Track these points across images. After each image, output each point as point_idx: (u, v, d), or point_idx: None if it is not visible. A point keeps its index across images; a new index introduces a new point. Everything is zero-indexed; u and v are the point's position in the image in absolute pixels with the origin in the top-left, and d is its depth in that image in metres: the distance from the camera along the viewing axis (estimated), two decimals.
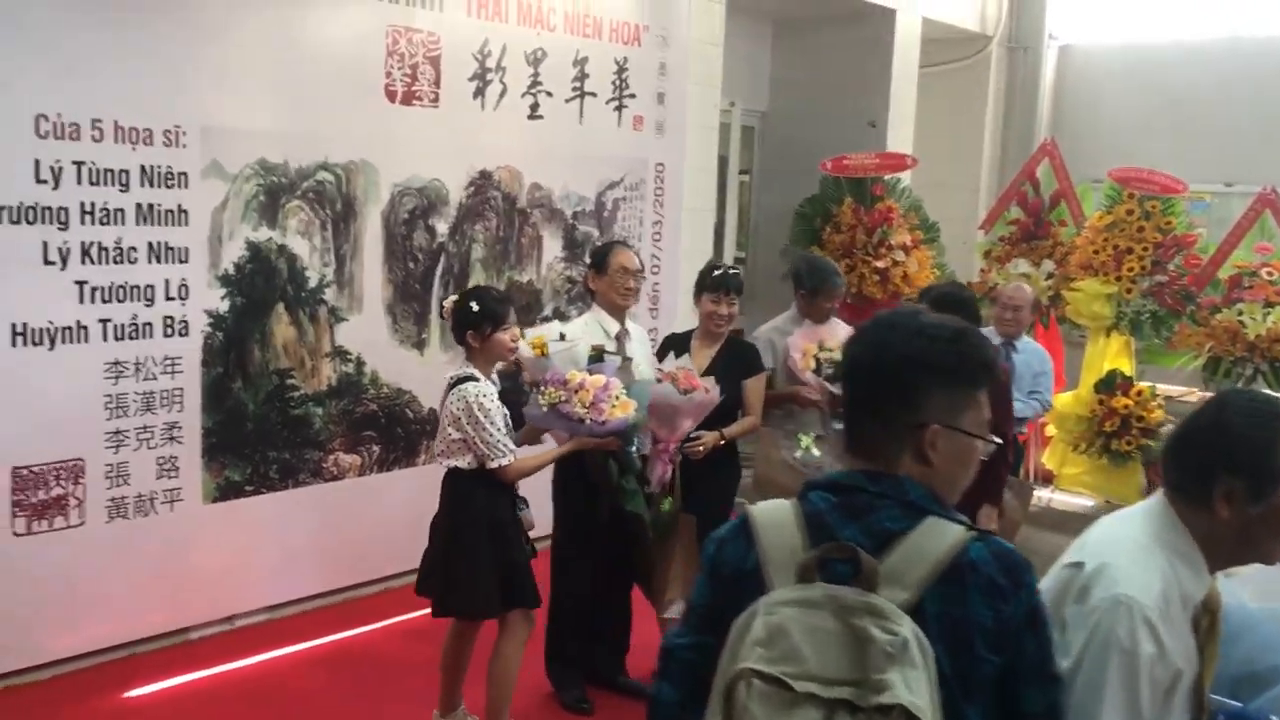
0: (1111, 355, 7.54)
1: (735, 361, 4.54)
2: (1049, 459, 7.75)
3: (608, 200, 6.43)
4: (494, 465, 3.81)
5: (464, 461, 3.82)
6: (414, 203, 5.46)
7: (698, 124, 7.07)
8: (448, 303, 3.94)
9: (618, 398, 3.95)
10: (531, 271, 6.06)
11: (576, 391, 3.91)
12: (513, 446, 3.85)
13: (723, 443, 4.42)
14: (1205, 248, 7.42)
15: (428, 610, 4.02)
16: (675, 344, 4.59)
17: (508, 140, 5.83)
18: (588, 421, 3.90)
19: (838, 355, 4.63)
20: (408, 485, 5.39)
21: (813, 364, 4.75)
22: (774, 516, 1.71)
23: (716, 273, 4.57)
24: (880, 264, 7.85)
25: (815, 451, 4.72)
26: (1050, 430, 7.70)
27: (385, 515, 5.36)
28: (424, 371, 5.49)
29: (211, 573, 4.87)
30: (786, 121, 8.98)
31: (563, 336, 4.22)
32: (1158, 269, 7.42)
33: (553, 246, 6.14)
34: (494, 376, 3.96)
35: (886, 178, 8.07)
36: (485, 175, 5.76)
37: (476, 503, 3.85)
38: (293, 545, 5.16)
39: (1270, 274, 7.06)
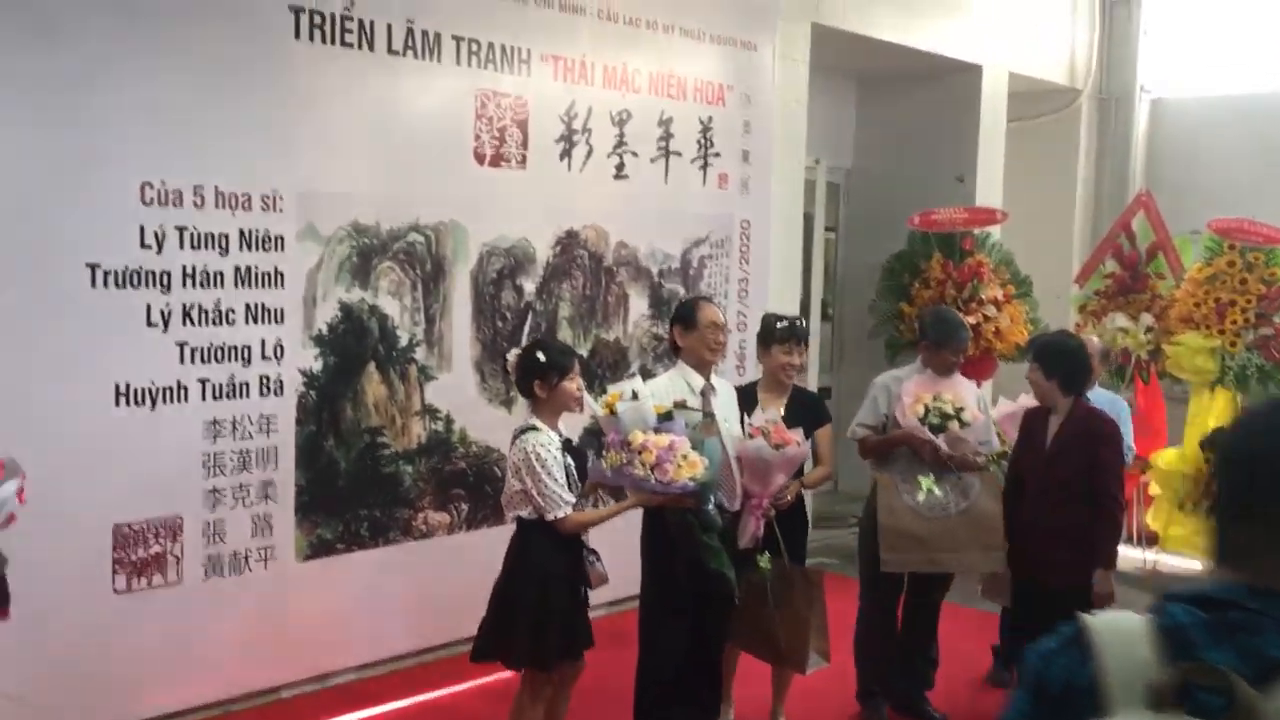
0: (1217, 411, 7.28)
1: (805, 412, 4.58)
2: (1153, 519, 7.48)
3: (693, 258, 6.44)
4: (550, 517, 3.79)
5: (525, 512, 3.83)
6: (502, 262, 5.53)
7: (783, 181, 7.07)
8: (512, 355, 3.98)
9: (684, 457, 3.92)
10: (618, 329, 6.08)
11: (640, 453, 3.90)
12: (570, 499, 3.84)
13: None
14: None
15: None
16: (742, 398, 4.57)
17: (594, 200, 5.88)
18: (653, 481, 3.88)
19: (949, 408, 4.63)
20: (496, 544, 5.31)
21: (920, 411, 4.65)
22: (1119, 627, 1.42)
23: (782, 324, 4.59)
24: (971, 320, 7.70)
25: (937, 492, 4.59)
26: (1154, 489, 7.44)
27: (475, 574, 5.24)
28: (511, 429, 5.47)
29: (304, 630, 4.91)
30: (872, 178, 8.94)
31: (635, 395, 4.18)
32: (1263, 321, 7.18)
33: (639, 304, 6.15)
34: (560, 428, 3.96)
35: (976, 232, 7.97)
36: (572, 234, 5.82)
37: (532, 553, 3.86)
38: (384, 603, 5.18)
39: None
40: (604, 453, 3.99)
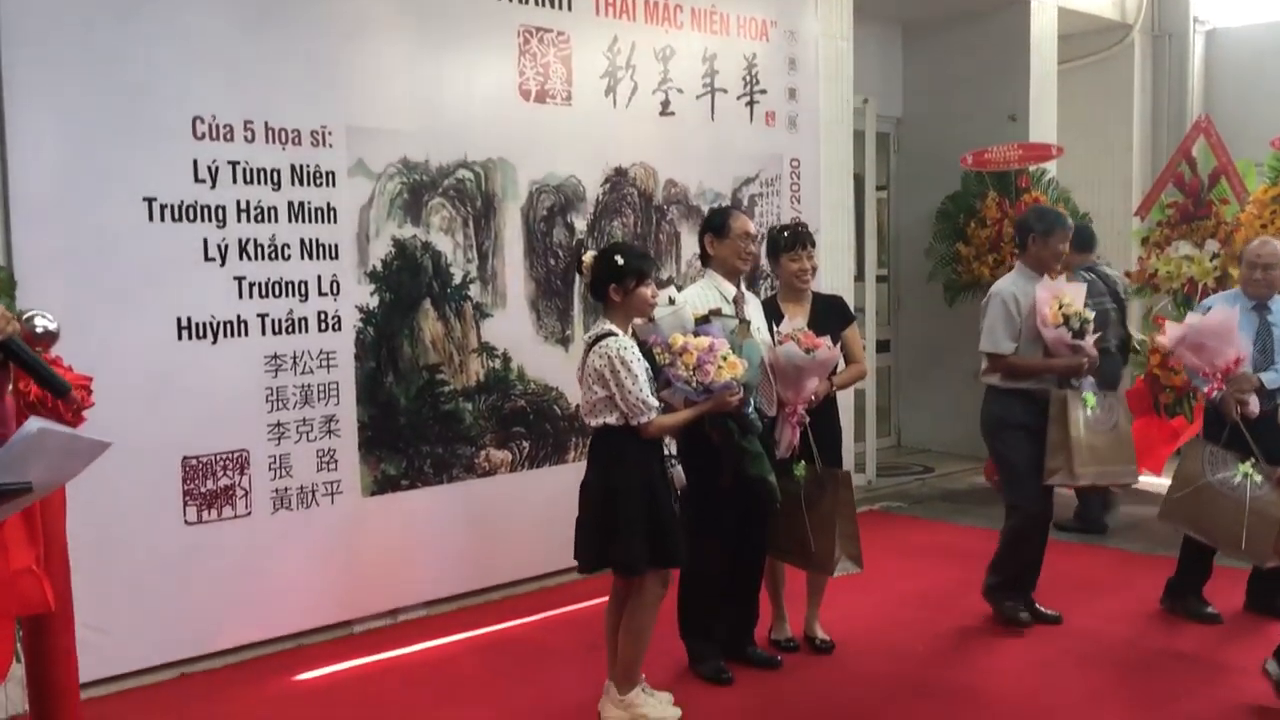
0: None
1: (829, 315, 4.62)
2: None
3: (744, 196, 6.40)
4: (636, 422, 3.76)
5: (612, 418, 3.78)
6: (552, 200, 5.53)
7: (831, 119, 7.00)
8: (588, 256, 3.93)
9: (724, 358, 3.89)
10: (670, 268, 6.05)
11: (680, 354, 3.87)
12: (655, 403, 3.80)
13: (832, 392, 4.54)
14: None
15: (590, 603, 3.95)
16: (766, 311, 4.55)
17: (641, 137, 5.87)
18: (694, 384, 3.85)
19: (1083, 311, 4.66)
20: (559, 482, 5.37)
21: (1060, 319, 4.63)
22: None
23: (786, 233, 4.62)
24: None
25: (1100, 411, 4.65)
26: None
27: (539, 512, 5.34)
28: (569, 368, 5.46)
29: (373, 566, 4.93)
30: (922, 124, 8.83)
31: (671, 301, 4.21)
32: None
33: (690, 243, 6.10)
34: (632, 333, 3.92)
35: (1031, 169, 7.85)
36: (620, 172, 5.81)
37: (629, 459, 3.80)
38: (451, 540, 5.19)
39: None
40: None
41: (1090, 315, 4.69)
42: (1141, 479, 7.65)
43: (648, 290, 3.86)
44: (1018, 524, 4.86)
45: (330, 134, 4.73)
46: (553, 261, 5.55)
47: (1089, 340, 4.64)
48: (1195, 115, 8.85)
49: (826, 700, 4.18)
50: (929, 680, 4.34)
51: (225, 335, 4.48)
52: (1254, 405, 4.63)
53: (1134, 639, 4.74)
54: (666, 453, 3.95)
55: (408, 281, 5.03)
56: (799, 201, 6.71)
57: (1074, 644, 4.69)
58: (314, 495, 4.75)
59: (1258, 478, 4.52)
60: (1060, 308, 4.64)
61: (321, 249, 4.73)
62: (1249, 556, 4.61)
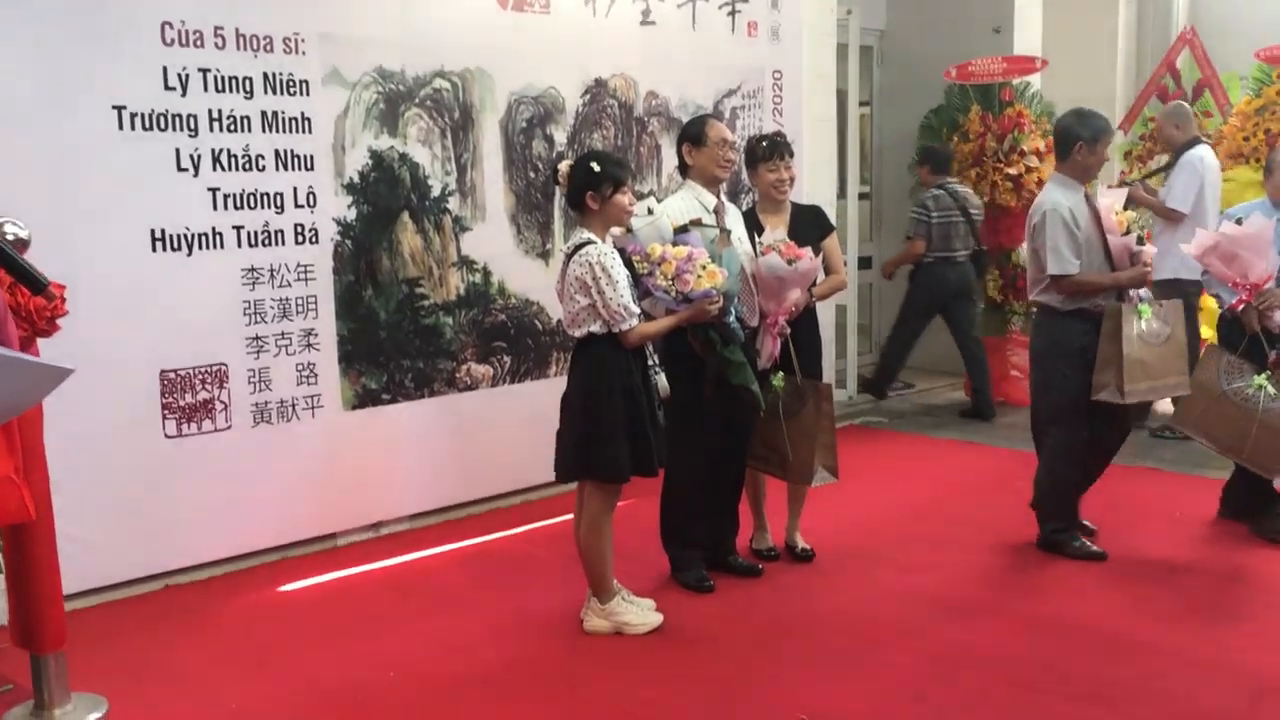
0: None
1: (809, 225, 4.59)
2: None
3: (725, 108, 6.32)
4: (618, 329, 3.75)
5: (596, 326, 3.77)
6: (531, 111, 5.44)
7: (814, 31, 6.90)
8: (564, 166, 3.89)
9: (703, 267, 3.87)
10: (652, 181, 5.99)
11: (659, 264, 3.86)
12: (636, 310, 3.78)
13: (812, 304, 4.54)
14: None
15: (567, 517, 3.98)
16: (747, 221, 4.52)
17: (621, 47, 5.77)
18: (673, 293, 3.83)
19: (1138, 219, 4.54)
20: (541, 397, 5.36)
21: (1125, 226, 4.52)
22: None
23: (764, 143, 4.56)
24: (1013, 171, 7.56)
25: (1155, 323, 4.49)
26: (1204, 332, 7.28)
27: (521, 427, 5.34)
28: (550, 282, 5.37)
29: (356, 480, 4.94)
30: (906, 37, 8.72)
31: (649, 211, 4.18)
32: None
33: (672, 156, 5.98)
34: (610, 240, 3.89)
35: (1015, 82, 7.77)
36: (600, 83, 5.72)
37: (611, 368, 3.79)
38: (433, 454, 5.20)
39: None
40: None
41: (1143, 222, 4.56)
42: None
43: (625, 198, 3.83)
44: (1064, 457, 4.67)
45: (303, 41, 4.62)
46: (532, 174, 5.48)
47: (1148, 248, 4.52)
48: (1180, 27, 8.78)
49: (807, 607, 4.24)
50: (908, 586, 4.40)
51: (200, 247, 4.42)
52: (1279, 318, 4.56)
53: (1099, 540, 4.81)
54: (650, 362, 3.95)
55: (385, 194, 4.96)
56: (781, 115, 6.63)
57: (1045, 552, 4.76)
58: (294, 409, 4.73)
59: (1272, 390, 4.49)
60: (1117, 216, 4.52)
61: (297, 160, 4.66)
62: (1250, 464, 4.58)
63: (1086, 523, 4.92)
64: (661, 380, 4.01)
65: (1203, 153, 6.61)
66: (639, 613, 4.00)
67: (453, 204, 5.19)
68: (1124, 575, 4.49)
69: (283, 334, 4.67)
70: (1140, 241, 4.52)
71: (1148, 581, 4.43)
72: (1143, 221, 4.60)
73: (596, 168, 3.79)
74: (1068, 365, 4.57)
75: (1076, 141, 4.53)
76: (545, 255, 5.54)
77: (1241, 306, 4.59)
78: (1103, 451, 4.80)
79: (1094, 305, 4.52)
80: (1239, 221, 4.62)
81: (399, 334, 5.05)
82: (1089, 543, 4.73)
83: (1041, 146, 7.63)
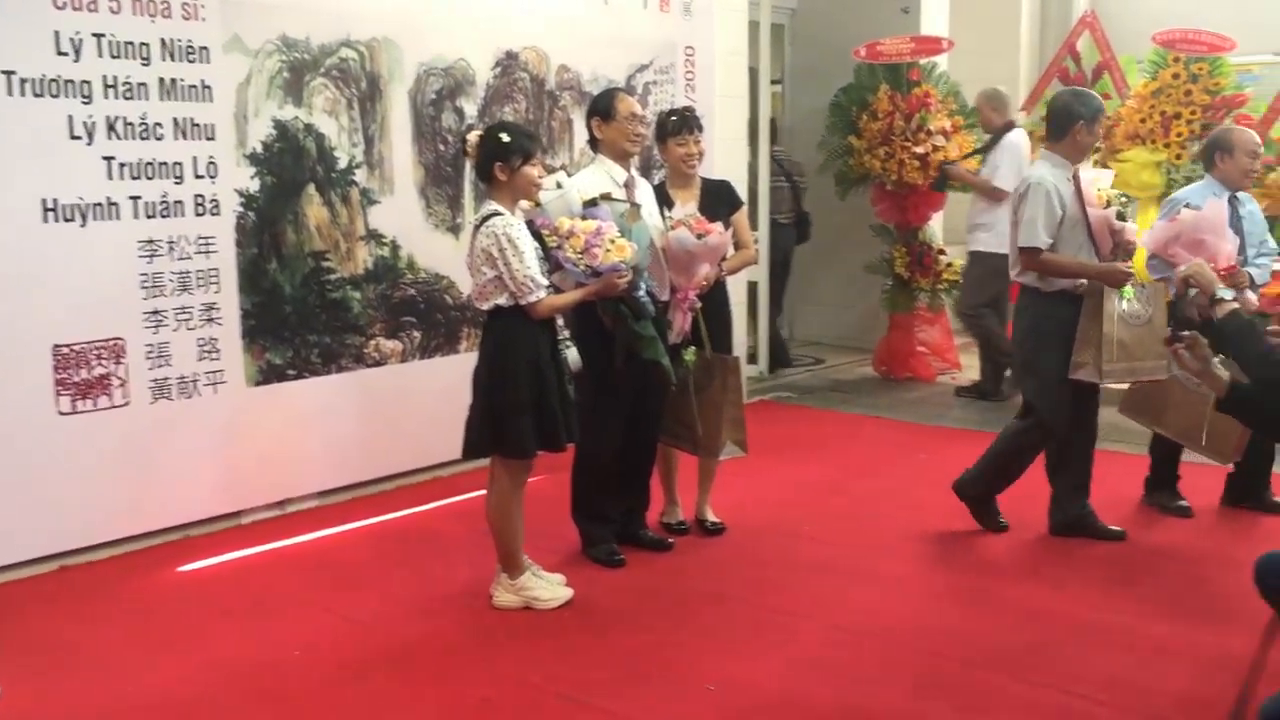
0: None
1: (718, 200, 4.61)
2: None
3: (638, 84, 6.31)
4: (526, 301, 3.73)
5: (502, 299, 3.75)
6: (440, 83, 5.37)
7: (726, 7, 6.91)
8: (472, 135, 3.85)
9: (612, 241, 3.87)
10: (564, 156, 5.96)
11: (567, 238, 3.85)
12: (543, 281, 3.76)
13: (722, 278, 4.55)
14: (1257, 108, 7.16)
15: (479, 493, 3.97)
16: (657, 196, 4.52)
17: (532, 20, 5.72)
18: (582, 266, 3.83)
19: (1120, 197, 4.48)
20: (452, 373, 5.28)
21: (1105, 201, 4.48)
22: None
23: (674, 118, 4.56)
24: (920, 149, 7.67)
25: (1137, 304, 4.43)
26: None
27: (431, 403, 5.28)
28: (460, 256, 5.33)
29: (261, 457, 4.84)
30: (817, 16, 8.80)
31: (558, 185, 4.15)
32: (1207, 132, 7.15)
33: (584, 130, 5.93)
34: (518, 214, 3.86)
35: (922, 62, 7.88)
36: (511, 56, 5.66)
37: (518, 341, 3.77)
38: (341, 431, 5.12)
39: None
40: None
41: (1125, 200, 4.51)
42: None
43: (534, 170, 3.80)
44: (1033, 437, 4.61)
45: (202, 7, 4.49)
46: (442, 147, 5.41)
47: (1130, 225, 4.49)
48: (1081, 11, 8.98)
49: (716, 579, 4.27)
50: (818, 558, 4.47)
51: (95, 218, 4.27)
52: (1252, 298, 4.52)
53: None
54: (560, 335, 3.94)
55: (290, 165, 4.85)
56: (693, 91, 6.64)
57: (955, 517, 4.87)
58: (195, 385, 4.61)
59: (1224, 372, 4.54)
60: (1099, 191, 4.49)
61: (196, 129, 4.53)
62: (1208, 453, 4.60)
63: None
64: (572, 354, 4.01)
65: (1018, 137, 7.10)
66: (549, 588, 4.00)
67: (360, 176, 5.10)
68: (1028, 546, 4.61)
69: (183, 308, 4.55)
70: (1121, 217, 4.45)
71: (1050, 552, 4.56)
72: (1122, 199, 4.53)
73: (505, 138, 3.76)
74: (1050, 346, 4.48)
75: (1078, 120, 4.44)
76: (455, 229, 5.48)
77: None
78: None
79: (1076, 286, 4.45)
80: (1181, 206, 4.64)
81: (305, 308, 4.95)
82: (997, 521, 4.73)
83: (948, 125, 7.76)
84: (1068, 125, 4.48)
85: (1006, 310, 7.06)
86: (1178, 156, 7.17)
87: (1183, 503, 4.99)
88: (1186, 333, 3.22)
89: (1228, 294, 3.35)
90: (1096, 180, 4.58)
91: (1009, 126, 7.16)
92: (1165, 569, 4.33)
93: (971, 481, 4.76)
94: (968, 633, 3.78)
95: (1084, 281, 4.45)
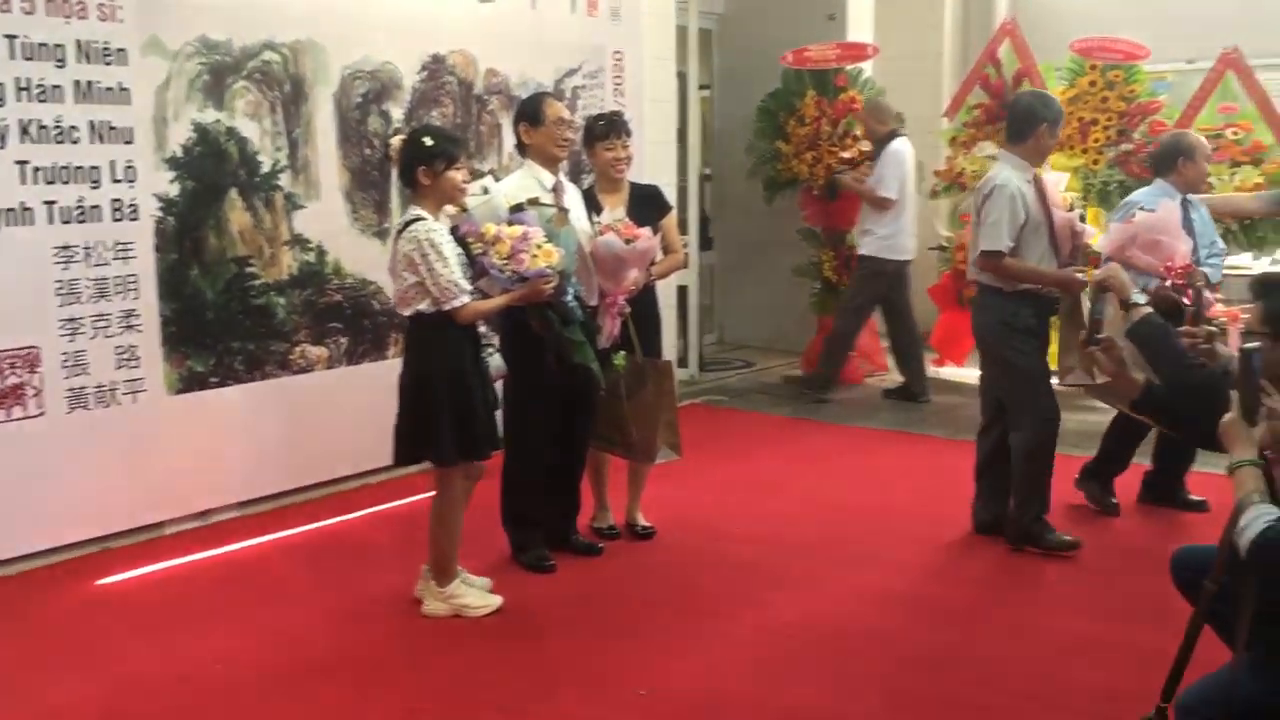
0: None
1: (647, 205, 4.62)
2: None
3: (566, 88, 6.30)
4: (449, 307, 3.71)
5: (424, 305, 3.73)
6: (366, 86, 5.32)
7: (654, 13, 6.93)
8: (396, 140, 3.82)
9: (539, 246, 3.87)
10: (493, 160, 5.93)
11: (493, 244, 3.83)
12: (466, 286, 3.74)
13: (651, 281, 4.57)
14: (1170, 114, 7.36)
15: (413, 498, 3.95)
16: (586, 201, 4.53)
17: (459, 24, 5.69)
18: (508, 272, 3.82)
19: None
20: (379, 379, 5.24)
21: (1069, 204, 4.53)
22: None
23: (602, 122, 4.58)
24: (846, 155, 7.76)
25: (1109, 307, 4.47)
26: None
27: (358, 409, 5.21)
28: (387, 261, 5.34)
29: (182, 467, 4.75)
30: (744, 22, 8.85)
31: (486, 191, 4.13)
32: (1124, 138, 7.37)
33: (512, 135, 5.98)
34: (443, 219, 3.84)
35: (849, 69, 7.98)
36: (438, 60, 5.62)
37: (441, 348, 3.76)
38: (265, 439, 5.04)
39: (1235, 134, 7.01)
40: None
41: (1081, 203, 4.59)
42: (944, 370, 8.08)
43: (458, 174, 3.79)
44: (1038, 436, 4.48)
45: (119, 8, 4.40)
46: (368, 151, 5.36)
47: (1088, 228, 4.54)
48: (1001, 18, 9.15)
49: (647, 583, 4.29)
50: (746, 560, 4.50)
51: (8, 224, 4.17)
52: (1210, 296, 4.55)
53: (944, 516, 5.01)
54: (484, 341, 3.92)
55: (212, 169, 4.77)
56: (622, 95, 6.65)
57: (881, 519, 4.93)
58: (114, 394, 4.51)
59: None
60: (1063, 194, 4.54)
61: (114, 133, 4.43)
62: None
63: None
64: (496, 360, 3.99)
65: (901, 145, 7.28)
66: (478, 595, 3.98)
67: (284, 180, 5.03)
68: (949, 546, 4.69)
69: (100, 315, 4.45)
70: (1083, 219, 4.50)
71: (972, 551, 4.64)
72: (1072, 200, 4.63)
73: (429, 142, 3.74)
74: (1024, 343, 4.45)
75: (1041, 122, 4.44)
76: (382, 234, 5.42)
77: (1170, 284, 4.45)
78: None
79: (1043, 289, 4.44)
80: (1135, 209, 4.75)
81: (227, 315, 4.87)
82: (1064, 535, 4.55)
83: None
84: (1031, 127, 4.46)
85: (905, 311, 7.41)
86: (1095, 162, 7.35)
87: (1113, 500, 5.08)
88: (1102, 335, 3.30)
89: (1141, 299, 3.45)
90: (1057, 183, 4.66)
91: (892, 135, 7.31)
92: (1084, 566, 4.42)
93: (1017, 522, 4.58)
94: (891, 632, 3.84)
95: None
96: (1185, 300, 4.27)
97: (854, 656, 3.64)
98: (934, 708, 3.32)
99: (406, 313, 3.78)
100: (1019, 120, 4.52)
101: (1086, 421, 5.97)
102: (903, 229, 7.29)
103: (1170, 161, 4.99)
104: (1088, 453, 5.21)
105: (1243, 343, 2.66)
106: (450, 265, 3.68)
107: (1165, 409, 3.14)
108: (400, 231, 3.76)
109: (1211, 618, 2.70)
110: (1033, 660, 3.62)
